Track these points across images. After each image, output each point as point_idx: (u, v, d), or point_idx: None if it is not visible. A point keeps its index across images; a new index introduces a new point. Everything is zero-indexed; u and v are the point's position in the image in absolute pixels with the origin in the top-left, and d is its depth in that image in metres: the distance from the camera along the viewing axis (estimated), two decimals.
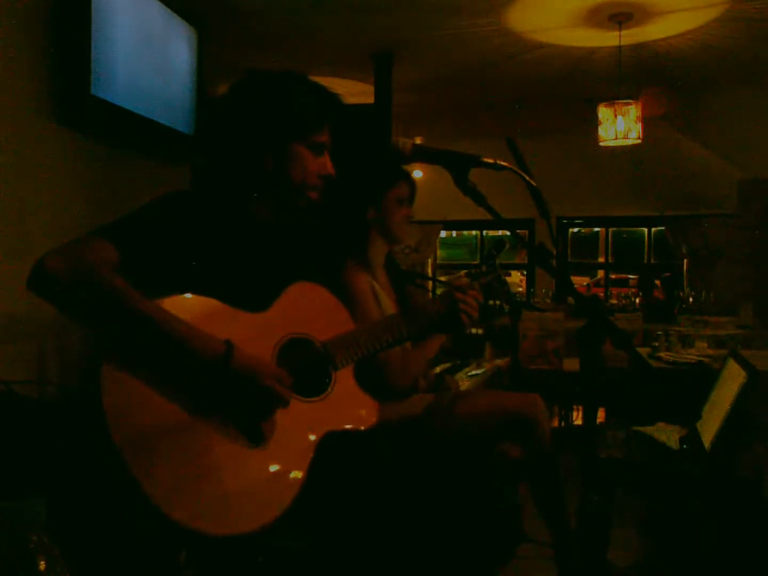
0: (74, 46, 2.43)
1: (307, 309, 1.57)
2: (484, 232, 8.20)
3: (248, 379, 1.34)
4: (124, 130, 2.77)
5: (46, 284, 1.31)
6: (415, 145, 1.56)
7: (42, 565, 1.63)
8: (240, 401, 1.35)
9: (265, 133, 1.56)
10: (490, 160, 1.51)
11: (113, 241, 1.38)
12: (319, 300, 1.62)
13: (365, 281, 2.19)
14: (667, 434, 2.25)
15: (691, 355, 3.63)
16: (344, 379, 1.55)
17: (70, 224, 2.47)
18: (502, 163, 1.51)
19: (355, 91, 5.42)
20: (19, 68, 2.29)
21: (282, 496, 1.34)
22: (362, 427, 1.52)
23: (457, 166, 1.51)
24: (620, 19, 4.27)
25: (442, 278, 5.30)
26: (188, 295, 1.41)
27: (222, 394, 1.33)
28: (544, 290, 5.96)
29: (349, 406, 1.54)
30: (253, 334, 1.44)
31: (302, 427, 1.44)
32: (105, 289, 1.30)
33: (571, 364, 3.85)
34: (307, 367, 1.50)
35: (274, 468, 1.37)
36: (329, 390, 1.51)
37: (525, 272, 7.90)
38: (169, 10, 3.00)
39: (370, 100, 4.95)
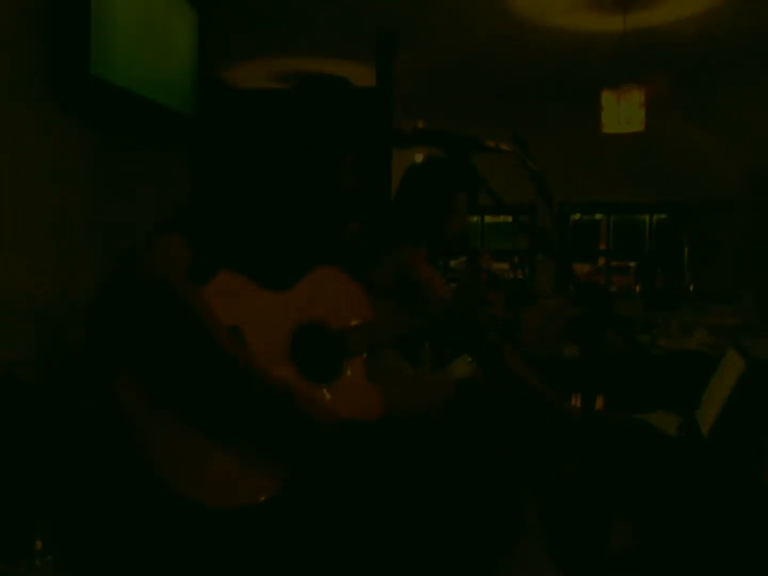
0: (73, 24, 2.40)
1: (328, 294, 1.57)
2: (485, 217, 8.17)
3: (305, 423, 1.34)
4: (125, 111, 2.74)
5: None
6: (416, 128, 1.55)
7: (38, 545, 1.64)
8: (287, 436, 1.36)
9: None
10: (492, 144, 1.49)
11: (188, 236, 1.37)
12: (341, 286, 1.62)
13: (429, 270, 2.22)
14: (666, 422, 2.25)
15: (690, 343, 3.63)
16: (355, 369, 1.55)
17: (69, 208, 2.47)
18: (504, 146, 1.50)
19: (357, 74, 5.39)
20: (15, 48, 2.26)
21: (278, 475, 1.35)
22: (364, 418, 1.51)
23: (459, 150, 1.49)
24: (625, 3, 4.24)
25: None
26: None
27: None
28: (545, 277, 5.96)
29: (355, 396, 1.54)
30: (272, 313, 1.45)
31: None
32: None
33: (571, 352, 3.85)
34: (319, 352, 1.50)
35: None
36: (338, 377, 1.51)
37: (524, 258, 7.88)
38: None
39: (372, 83, 4.92)
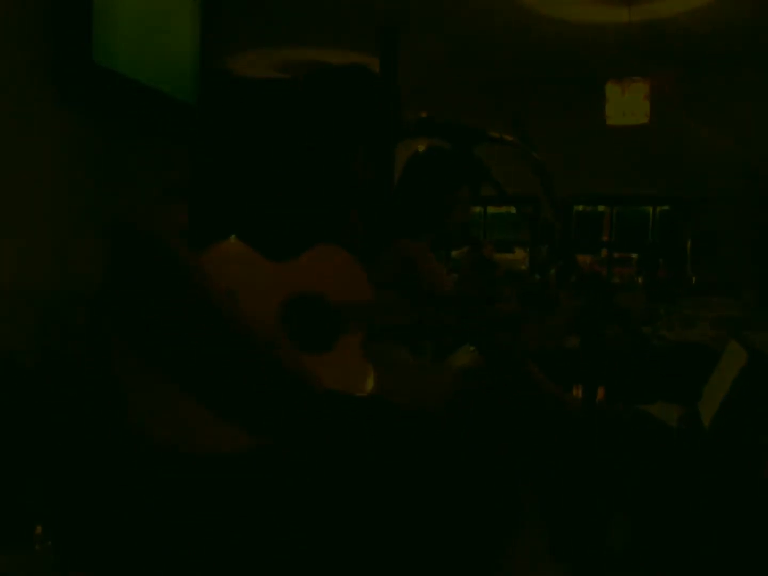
0: (76, 12, 2.39)
1: (327, 269, 1.57)
2: (488, 207, 8.16)
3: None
4: (127, 100, 2.74)
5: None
6: (419, 119, 1.54)
7: (38, 530, 1.66)
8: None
9: None
10: (496, 135, 1.49)
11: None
12: (342, 263, 1.62)
13: (433, 262, 2.23)
14: (667, 413, 2.25)
15: (692, 335, 3.63)
16: (351, 344, 1.55)
17: (71, 198, 2.46)
18: (508, 137, 1.50)
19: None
20: (15, 34, 2.25)
21: None
22: (352, 392, 1.51)
23: (462, 141, 1.49)
24: None
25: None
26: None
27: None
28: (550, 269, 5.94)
29: (345, 371, 1.54)
30: (268, 282, 1.46)
31: None
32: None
33: (571, 343, 3.84)
34: (311, 322, 1.51)
35: None
36: (329, 350, 1.52)
37: (528, 249, 7.88)
38: None
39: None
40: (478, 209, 7.95)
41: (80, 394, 1.78)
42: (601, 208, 8.77)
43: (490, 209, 8.18)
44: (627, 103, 4.52)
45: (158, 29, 2.88)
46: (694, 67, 5.51)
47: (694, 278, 5.36)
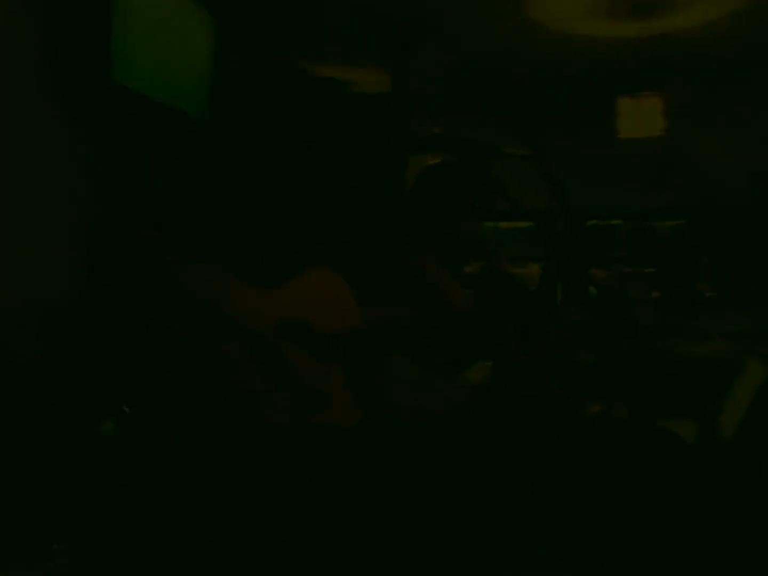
0: (94, 32, 2.41)
1: (315, 295, 1.55)
2: (501, 222, 8.15)
3: None
4: (143, 118, 2.76)
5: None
6: (433, 135, 1.55)
7: (53, 535, 1.65)
8: None
9: None
10: (510, 150, 1.49)
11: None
12: (330, 288, 1.60)
13: (444, 275, 2.23)
14: (684, 429, 2.23)
15: (708, 350, 3.59)
16: (334, 373, 1.53)
17: (85, 217, 2.48)
18: (521, 151, 1.50)
19: (372, 80, 5.39)
20: (30, 53, 2.27)
21: None
22: (338, 423, 1.49)
23: (474, 156, 1.49)
24: (642, 9, 4.22)
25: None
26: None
27: None
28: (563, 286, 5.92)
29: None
30: (254, 310, 1.44)
31: None
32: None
33: (587, 358, 3.82)
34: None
35: None
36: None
37: (543, 265, 7.85)
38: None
39: (388, 89, 4.92)
40: (491, 224, 7.95)
41: (82, 393, 1.77)
42: (614, 221, 8.74)
43: (504, 224, 8.16)
44: (639, 117, 4.52)
45: (174, 48, 2.91)
46: (707, 79, 5.50)
47: (708, 292, 5.32)
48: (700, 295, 5.32)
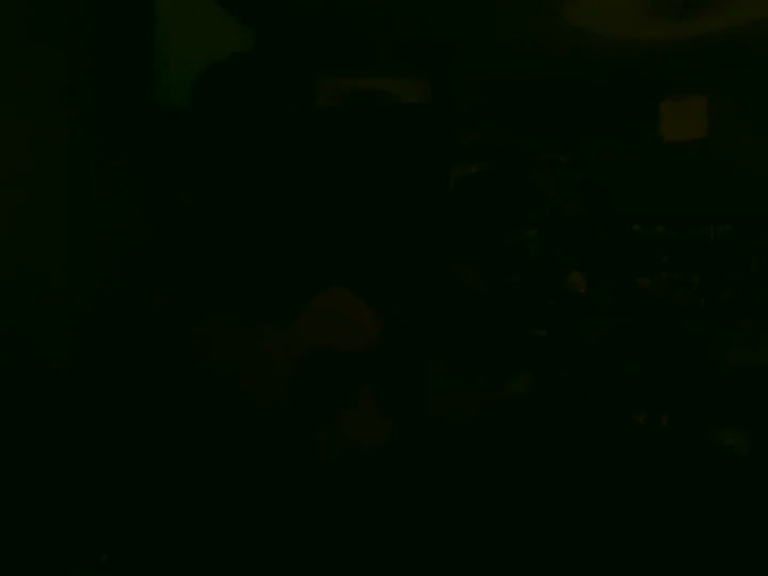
0: (135, 50, 2.44)
1: (333, 319, 1.55)
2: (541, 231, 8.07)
3: None
4: (182, 137, 2.78)
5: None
6: (473, 142, 1.53)
7: (104, 558, 1.67)
8: None
9: None
10: (551, 157, 1.47)
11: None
12: (347, 309, 1.60)
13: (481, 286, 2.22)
14: (737, 439, 2.17)
15: (758, 359, 3.50)
16: (365, 395, 1.52)
17: (122, 239, 2.51)
18: (563, 159, 1.47)
19: (413, 90, 5.39)
20: (64, 74, 2.30)
21: None
22: (372, 444, 1.48)
23: (515, 163, 1.47)
24: (684, 9, 4.16)
25: None
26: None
27: None
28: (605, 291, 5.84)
29: (362, 422, 1.52)
30: (271, 347, 1.44)
31: None
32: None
33: (632, 368, 3.75)
34: (327, 381, 1.49)
35: None
36: (347, 405, 1.51)
37: (586, 273, 7.75)
38: (226, 11, 3.02)
39: (428, 98, 4.92)
40: (533, 233, 7.88)
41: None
42: (659, 228, 8.60)
43: (544, 232, 8.09)
44: (684, 120, 4.44)
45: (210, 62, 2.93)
46: (754, 80, 5.38)
47: (758, 299, 5.19)
48: (750, 302, 5.20)
